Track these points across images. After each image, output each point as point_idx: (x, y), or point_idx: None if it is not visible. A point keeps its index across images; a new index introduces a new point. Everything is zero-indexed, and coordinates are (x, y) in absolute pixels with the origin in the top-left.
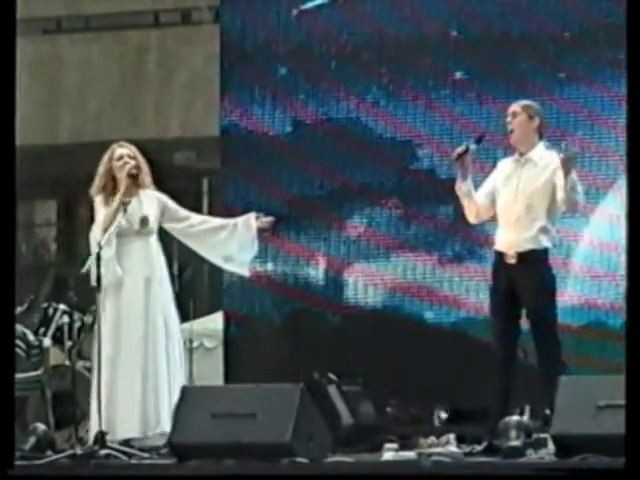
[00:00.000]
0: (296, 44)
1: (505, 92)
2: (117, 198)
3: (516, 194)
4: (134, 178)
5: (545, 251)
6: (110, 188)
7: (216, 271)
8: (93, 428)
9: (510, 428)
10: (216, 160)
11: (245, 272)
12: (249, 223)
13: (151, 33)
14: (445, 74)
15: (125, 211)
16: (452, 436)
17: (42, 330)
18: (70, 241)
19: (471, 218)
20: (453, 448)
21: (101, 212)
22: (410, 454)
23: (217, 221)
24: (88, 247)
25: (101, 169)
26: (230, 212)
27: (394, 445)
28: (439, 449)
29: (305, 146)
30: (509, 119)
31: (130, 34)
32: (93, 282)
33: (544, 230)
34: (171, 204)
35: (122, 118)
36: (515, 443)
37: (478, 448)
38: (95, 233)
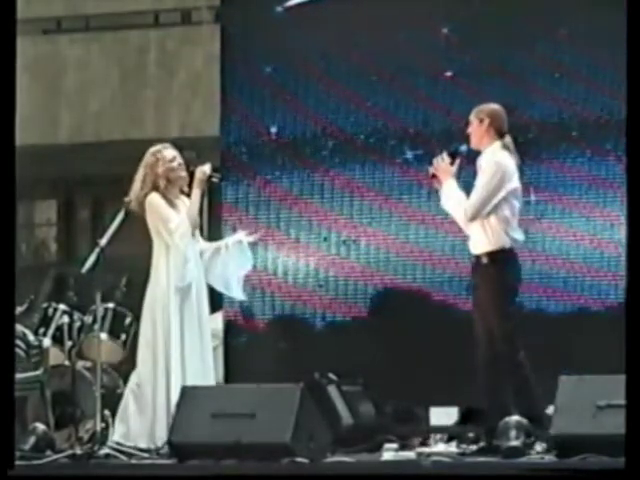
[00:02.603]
0: (296, 43)
1: (502, 90)
2: (197, 197)
3: None
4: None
5: (497, 252)
6: (166, 188)
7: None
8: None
9: (510, 428)
10: (216, 160)
11: (240, 295)
12: (239, 240)
13: (151, 33)
14: (438, 71)
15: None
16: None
17: (42, 330)
18: (70, 241)
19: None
20: (453, 448)
21: (168, 210)
22: (410, 454)
23: (214, 245)
24: (88, 247)
25: (150, 173)
26: (230, 212)
27: (394, 445)
28: (437, 448)
29: (305, 145)
30: (468, 129)
31: (130, 34)
32: (187, 281)
33: (491, 233)
34: None
35: (122, 118)
36: (515, 443)
37: (473, 448)
38: (181, 233)
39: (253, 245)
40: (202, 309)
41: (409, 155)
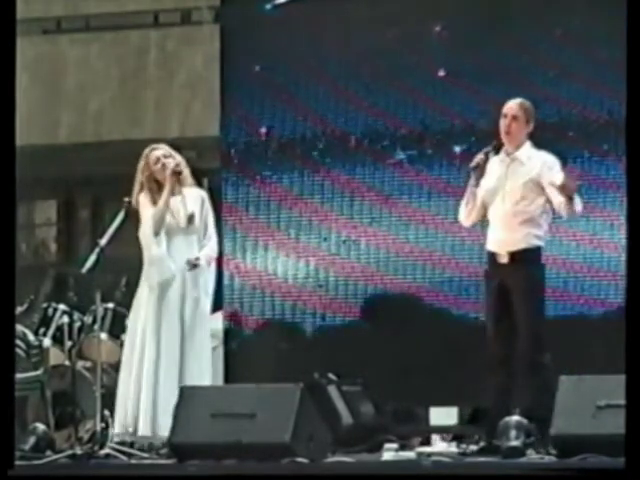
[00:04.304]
0: (295, 43)
1: (499, 88)
2: (164, 197)
3: (504, 194)
4: (178, 175)
5: (536, 250)
6: (155, 189)
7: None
8: (141, 427)
9: (510, 428)
10: (216, 160)
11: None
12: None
13: (151, 33)
14: (434, 70)
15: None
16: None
17: (42, 330)
18: (70, 241)
19: (468, 222)
20: (453, 448)
21: (149, 211)
22: (410, 454)
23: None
24: (88, 247)
25: (140, 176)
26: (230, 212)
27: (394, 445)
28: (437, 448)
29: (305, 146)
30: (508, 120)
31: (130, 34)
32: (151, 281)
33: (534, 229)
34: (209, 208)
35: (122, 118)
36: (515, 443)
37: (473, 448)
38: (145, 232)
39: (191, 266)
40: (184, 308)
41: (409, 155)
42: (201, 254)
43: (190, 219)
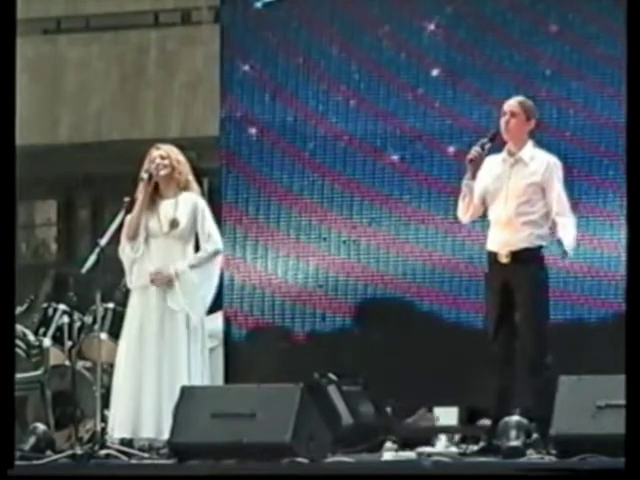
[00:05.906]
0: (296, 42)
1: (496, 87)
2: (139, 201)
3: (507, 194)
4: (145, 181)
5: (538, 249)
6: (153, 189)
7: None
8: (116, 428)
9: (510, 428)
10: (216, 160)
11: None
12: None
13: (151, 33)
14: (427, 68)
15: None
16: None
17: (42, 330)
18: (70, 241)
19: (465, 217)
20: (453, 448)
21: (139, 210)
22: (410, 454)
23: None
24: (88, 247)
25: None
26: (230, 212)
27: (394, 445)
28: (437, 448)
29: (305, 145)
30: (507, 117)
31: (130, 34)
32: (132, 284)
33: (536, 229)
34: (206, 214)
35: (122, 118)
36: (515, 443)
37: (474, 448)
38: (123, 237)
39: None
40: (161, 317)
41: (407, 154)
42: (185, 262)
43: (172, 224)
